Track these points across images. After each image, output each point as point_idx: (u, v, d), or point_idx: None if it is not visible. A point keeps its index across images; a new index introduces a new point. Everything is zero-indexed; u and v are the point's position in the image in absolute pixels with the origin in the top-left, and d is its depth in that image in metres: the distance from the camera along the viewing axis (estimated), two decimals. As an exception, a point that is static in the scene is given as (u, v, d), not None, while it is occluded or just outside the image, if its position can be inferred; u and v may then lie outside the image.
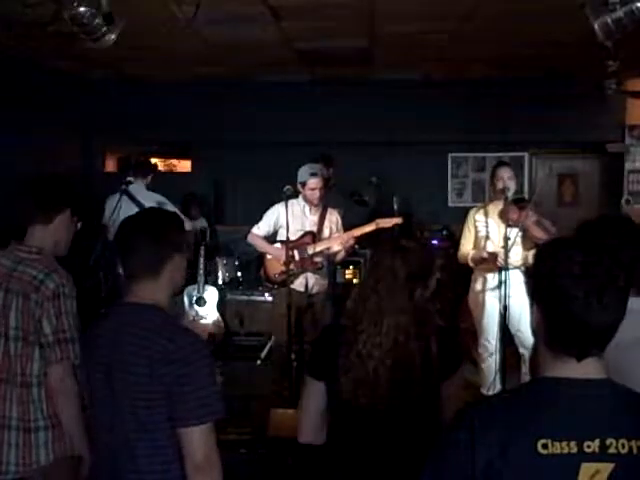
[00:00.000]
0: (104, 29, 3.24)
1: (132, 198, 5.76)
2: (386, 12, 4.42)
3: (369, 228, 4.81)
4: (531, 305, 1.41)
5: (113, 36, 3.30)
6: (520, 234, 4.45)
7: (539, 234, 4.37)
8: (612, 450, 1.27)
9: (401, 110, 6.97)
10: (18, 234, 2.51)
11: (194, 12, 3.85)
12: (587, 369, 1.34)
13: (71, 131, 7.04)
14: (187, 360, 1.83)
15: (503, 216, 4.48)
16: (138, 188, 5.78)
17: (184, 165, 9.44)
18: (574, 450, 1.27)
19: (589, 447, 1.27)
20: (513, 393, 1.46)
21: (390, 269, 2.03)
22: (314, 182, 4.71)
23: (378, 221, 4.83)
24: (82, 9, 3.11)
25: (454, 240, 7.29)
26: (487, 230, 4.64)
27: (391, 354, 1.98)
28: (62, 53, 5.40)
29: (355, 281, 6.17)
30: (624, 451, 1.27)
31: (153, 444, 1.88)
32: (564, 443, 1.27)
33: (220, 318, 5.55)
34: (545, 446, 1.27)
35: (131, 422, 1.89)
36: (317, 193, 4.73)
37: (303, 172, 4.74)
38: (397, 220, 4.87)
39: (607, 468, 1.27)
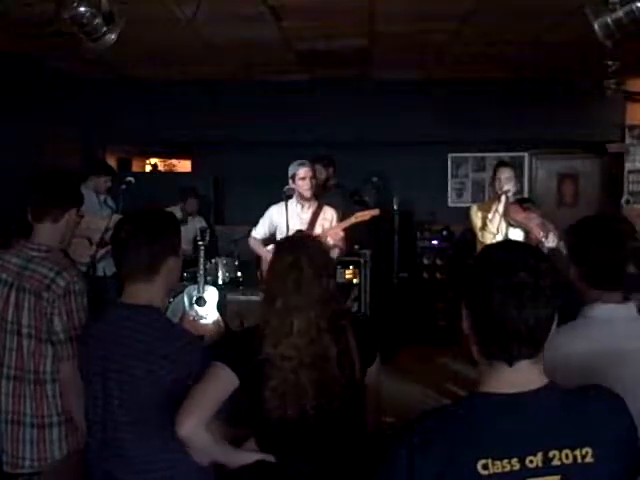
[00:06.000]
0: (104, 29, 3.24)
1: None
2: (386, 12, 4.43)
3: (349, 222, 4.82)
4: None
5: (113, 36, 3.31)
6: (522, 235, 4.45)
7: (541, 236, 4.36)
8: (556, 462, 1.23)
9: (401, 110, 6.96)
10: (19, 232, 2.51)
11: (194, 12, 3.86)
12: (521, 377, 1.29)
13: (71, 131, 7.03)
14: (185, 361, 1.83)
15: (506, 216, 4.47)
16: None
17: (184, 165, 9.45)
18: (516, 467, 1.23)
19: (532, 462, 1.23)
20: (452, 411, 1.36)
21: (295, 265, 1.92)
22: (303, 171, 4.75)
23: (357, 214, 4.85)
24: (82, 9, 3.12)
25: (454, 240, 7.31)
26: (489, 226, 4.61)
27: (308, 352, 1.87)
28: (62, 53, 5.39)
29: (355, 281, 6.16)
30: (568, 461, 1.24)
31: (150, 442, 1.88)
32: (505, 461, 1.22)
33: (220, 318, 5.54)
34: (485, 467, 1.22)
35: (126, 424, 1.88)
36: (307, 183, 4.76)
37: (292, 166, 4.82)
38: (374, 212, 4.88)
39: None
